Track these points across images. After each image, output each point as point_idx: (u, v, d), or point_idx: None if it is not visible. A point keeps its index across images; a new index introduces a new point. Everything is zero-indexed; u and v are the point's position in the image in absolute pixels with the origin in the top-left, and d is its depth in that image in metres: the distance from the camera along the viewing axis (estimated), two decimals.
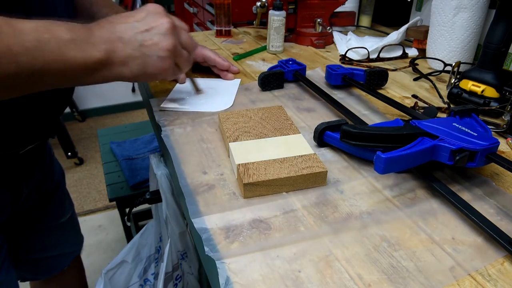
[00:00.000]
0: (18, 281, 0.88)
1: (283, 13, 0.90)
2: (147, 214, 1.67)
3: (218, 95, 0.71)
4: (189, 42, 0.55)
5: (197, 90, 0.73)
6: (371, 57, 0.91)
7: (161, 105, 0.67)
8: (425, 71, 0.85)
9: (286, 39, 1.02)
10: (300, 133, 0.55)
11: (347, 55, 0.91)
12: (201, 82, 0.77)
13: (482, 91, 0.66)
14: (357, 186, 0.48)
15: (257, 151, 0.50)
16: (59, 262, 0.92)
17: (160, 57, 0.50)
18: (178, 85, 0.75)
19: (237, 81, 0.78)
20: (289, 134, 0.54)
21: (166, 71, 0.51)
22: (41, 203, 0.80)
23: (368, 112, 0.67)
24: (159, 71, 0.51)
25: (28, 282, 0.97)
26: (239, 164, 0.47)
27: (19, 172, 0.68)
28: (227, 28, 1.06)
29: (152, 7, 0.51)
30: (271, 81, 0.74)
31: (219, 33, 1.07)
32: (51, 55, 0.42)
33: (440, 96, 0.74)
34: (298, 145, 0.52)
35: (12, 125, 0.58)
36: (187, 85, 0.75)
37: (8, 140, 0.60)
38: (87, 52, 0.45)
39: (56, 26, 0.43)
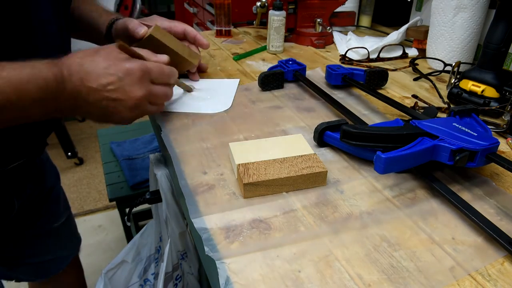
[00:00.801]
0: (13, 281, 0.88)
1: (283, 13, 0.90)
2: (147, 214, 1.67)
3: (217, 96, 0.71)
4: (164, 78, 0.55)
5: (189, 90, 0.72)
6: (371, 57, 0.91)
7: None
8: (425, 71, 0.85)
9: (286, 39, 1.02)
10: (300, 133, 0.55)
11: (347, 55, 0.91)
12: (201, 82, 0.77)
13: (482, 91, 0.66)
14: (357, 186, 0.48)
15: (257, 151, 0.50)
16: (55, 266, 0.90)
17: (120, 121, 0.53)
18: (175, 87, 0.75)
19: (235, 81, 0.78)
20: (289, 134, 0.54)
21: (130, 122, 0.54)
22: (32, 209, 0.78)
23: (368, 112, 0.67)
24: (123, 120, 0.53)
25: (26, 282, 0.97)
26: (239, 164, 0.47)
27: (8, 187, 0.66)
28: (227, 28, 1.06)
29: (114, 51, 0.51)
30: (271, 81, 0.74)
31: (219, 33, 1.07)
32: (15, 114, 0.45)
33: (440, 96, 0.74)
34: (298, 145, 0.52)
35: None
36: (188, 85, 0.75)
37: None
38: (51, 109, 0.48)
39: (27, 84, 0.44)
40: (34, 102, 0.45)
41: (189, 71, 0.76)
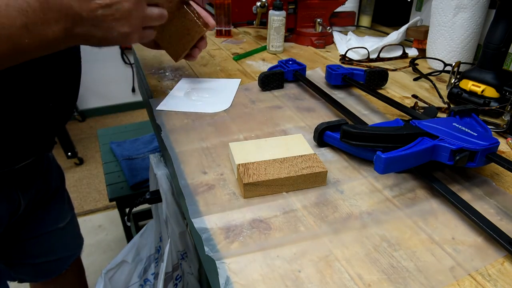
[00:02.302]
0: (17, 282, 0.88)
1: (283, 13, 0.90)
2: (147, 214, 1.67)
3: (216, 96, 0.71)
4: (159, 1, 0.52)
5: (204, 25, 0.67)
6: (371, 57, 0.91)
7: (158, 107, 0.66)
8: (425, 71, 0.85)
9: (286, 39, 1.02)
10: (300, 133, 0.55)
11: (347, 55, 0.91)
12: (201, 81, 0.77)
13: (482, 91, 0.66)
14: (357, 186, 0.48)
15: (257, 151, 0.50)
16: (58, 266, 0.90)
17: (123, 33, 0.48)
18: (176, 86, 0.75)
19: (237, 81, 0.78)
20: (289, 134, 0.54)
21: (132, 40, 0.50)
22: (37, 210, 0.78)
23: (368, 112, 0.67)
24: (125, 41, 0.50)
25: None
26: (239, 164, 0.47)
27: (16, 187, 0.66)
28: (227, 28, 1.06)
29: None
30: (271, 81, 0.74)
31: (219, 33, 1.07)
32: (3, 44, 0.40)
33: (440, 96, 0.74)
34: (298, 145, 0.52)
35: (6, 142, 0.57)
36: (186, 85, 0.75)
37: (2, 157, 0.59)
38: (42, 35, 0.42)
39: (7, 7, 0.39)
40: (20, 29, 0.40)
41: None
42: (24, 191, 0.69)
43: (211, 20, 0.71)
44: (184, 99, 0.70)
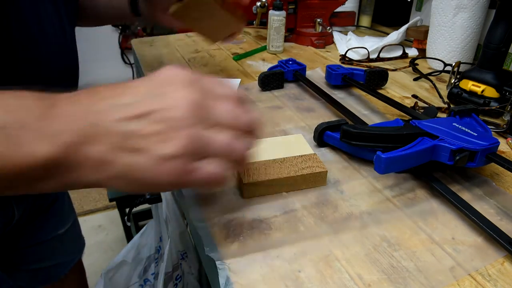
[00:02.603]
0: None
1: (283, 13, 0.90)
2: (147, 214, 1.67)
3: None
4: (234, 122, 0.32)
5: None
6: (371, 57, 0.91)
7: None
8: (425, 71, 0.85)
9: (286, 39, 1.02)
10: (300, 133, 0.55)
11: (347, 55, 0.91)
12: None
13: (482, 91, 0.66)
14: (357, 186, 0.48)
15: (257, 151, 0.50)
16: (58, 271, 0.88)
17: (161, 156, 0.29)
18: None
19: (237, 81, 0.78)
20: (289, 134, 0.54)
21: (172, 180, 0.30)
22: (36, 218, 0.76)
23: (368, 112, 0.67)
24: (159, 180, 0.30)
25: None
26: None
27: (10, 197, 0.63)
28: None
29: (171, 72, 0.31)
30: (271, 81, 0.74)
31: None
32: None
33: (440, 96, 0.74)
34: (298, 145, 0.52)
35: None
36: None
37: None
38: (33, 147, 0.27)
39: None
40: None
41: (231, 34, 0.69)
42: (18, 201, 0.66)
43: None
44: None
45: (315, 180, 0.47)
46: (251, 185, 0.45)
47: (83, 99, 0.29)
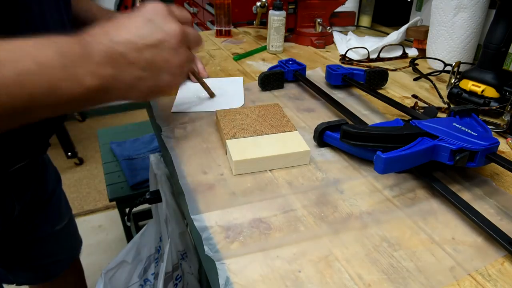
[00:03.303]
0: (14, 285, 0.88)
1: (283, 13, 0.90)
2: (147, 214, 1.67)
3: (226, 94, 0.71)
4: (196, 41, 0.48)
5: (211, 95, 0.70)
6: (371, 57, 0.91)
7: (173, 109, 0.66)
8: (425, 71, 0.85)
9: (286, 39, 1.02)
10: (296, 130, 0.55)
11: (347, 55, 0.91)
12: (206, 81, 0.77)
13: (482, 91, 0.66)
14: (357, 186, 0.48)
15: (254, 148, 0.51)
16: (56, 268, 0.89)
17: (173, 74, 0.44)
18: (181, 87, 0.74)
19: (240, 79, 0.78)
20: (285, 132, 0.55)
21: (177, 85, 0.48)
22: (34, 213, 0.77)
23: (368, 112, 0.67)
24: (170, 88, 0.45)
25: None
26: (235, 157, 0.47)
27: (10, 191, 0.65)
28: (227, 28, 1.06)
29: (152, 8, 0.43)
30: (271, 81, 0.74)
31: (219, 33, 1.07)
32: (37, 89, 0.35)
33: (440, 96, 0.73)
34: (294, 142, 0.52)
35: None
36: (191, 86, 0.75)
37: None
38: (83, 80, 0.37)
39: (43, 48, 0.35)
40: (58, 70, 0.36)
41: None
42: (18, 196, 0.67)
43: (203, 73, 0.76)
44: (195, 99, 0.70)
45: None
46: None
47: (103, 38, 0.38)
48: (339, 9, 1.06)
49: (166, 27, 0.42)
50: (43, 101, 0.36)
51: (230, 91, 0.73)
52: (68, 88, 0.36)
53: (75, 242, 0.95)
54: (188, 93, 0.72)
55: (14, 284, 0.88)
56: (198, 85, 0.74)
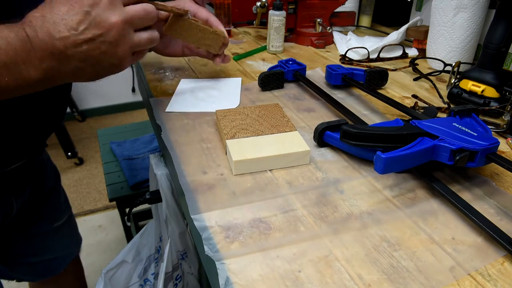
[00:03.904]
0: (15, 281, 0.88)
1: (283, 13, 0.90)
2: (147, 214, 1.67)
3: (223, 95, 0.71)
4: (145, 20, 0.47)
5: (181, 13, 0.65)
6: (371, 57, 0.91)
7: (167, 109, 0.66)
8: (425, 71, 0.85)
9: (286, 39, 1.02)
10: (296, 130, 0.55)
11: (347, 55, 0.91)
12: (204, 82, 0.77)
13: (482, 91, 0.66)
14: (357, 186, 0.48)
15: (254, 148, 0.51)
16: (55, 266, 0.90)
17: (113, 64, 0.46)
18: (179, 87, 0.74)
19: (238, 80, 0.78)
20: (285, 132, 0.55)
21: (124, 67, 0.48)
22: (32, 210, 0.77)
23: (368, 112, 0.67)
24: (116, 71, 0.47)
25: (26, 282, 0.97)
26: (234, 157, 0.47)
27: (8, 189, 0.65)
28: (227, 28, 1.06)
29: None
30: (271, 81, 0.74)
31: None
32: None
33: (440, 96, 0.73)
34: (294, 142, 0.52)
35: None
36: (189, 86, 0.75)
37: None
38: (27, 74, 0.41)
39: None
40: (1, 67, 0.39)
41: (215, 56, 0.73)
42: (16, 194, 0.68)
43: (225, 35, 0.71)
44: (191, 99, 0.70)
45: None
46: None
47: (48, 29, 0.41)
48: (339, 9, 1.06)
49: (105, 19, 0.43)
50: None
51: (227, 92, 0.73)
52: (13, 81, 0.41)
53: (75, 239, 0.95)
54: (185, 93, 0.72)
55: (14, 281, 0.88)
56: (194, 85, 0.74)
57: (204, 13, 0.69)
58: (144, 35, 0.48)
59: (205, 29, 0.67)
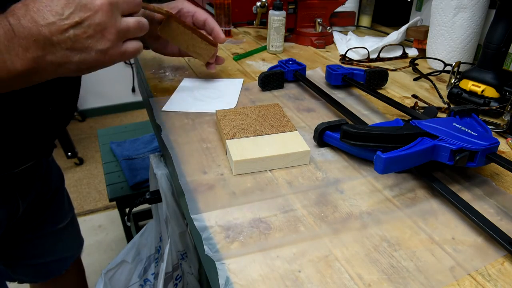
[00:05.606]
0: (16, 282, 0.88)
1: (283, 13, 0.90)
2: (147, 214, 1.67)
3: (221, 95, 0.71)
4: (131, 5, 0.46)
5: (162, 13, 0.65)
6: (371, 57, 0.91)
7: (164, 108, 0.66)
8: (425, 71, 0.85)
9: (286, 39, 1.02)
10: (296, 130, 0.55)
11: (347, 55, 0.91)
12: (205, 82, 0.77)
13: (482, 91, 0.66)
14: (357, 186, 0.48)
15: (253, 148, 0.51)
16: (57, 267, 0.90)
17: (101, 50, 0.44)
18: (179, 87, 0.75)
19: (240, 81, 0.78)
20: (285, 132, 0.55)
21: (114, 60, 0.46)
22: (37, 211, 0.78)
23: (368, 112, 0.67)
24: (104, 63, 0.46)
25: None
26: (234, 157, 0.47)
27: (15, 190, 0.66)
28: (227, 28, 1.06)
29: None
30: (271, 81, 0.74)
31: None
32: None
33: (440, 96, 0.73)
34: (294, 142, 0.52)
35: (4, 146, 0.57)
36: (189, 86, 0.75)
37: (1, 161, 0.58)
38: (12, 65, 0.40)
39: None
40: None
41: (207, 63, 0.74)
42: (23, 195, 0.68)
43: (221, 35, 0.71)
44: (189, 99, 0.70)
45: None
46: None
47: (31, 16, 0.39)
48: (339, 9, 1.06)
49: (90, 1, 0.42)
50: None
51: (225, 92, 0.73)
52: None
53: (77, 241, 0.95)
54: (183, 93, 0.72)
55: (16, 282, 0.88)
56: (192, 85, 0.74)
57: (203, 14, 0.70)
58: (131, 20, 0.47)
59: (196, 38, 0.69)
